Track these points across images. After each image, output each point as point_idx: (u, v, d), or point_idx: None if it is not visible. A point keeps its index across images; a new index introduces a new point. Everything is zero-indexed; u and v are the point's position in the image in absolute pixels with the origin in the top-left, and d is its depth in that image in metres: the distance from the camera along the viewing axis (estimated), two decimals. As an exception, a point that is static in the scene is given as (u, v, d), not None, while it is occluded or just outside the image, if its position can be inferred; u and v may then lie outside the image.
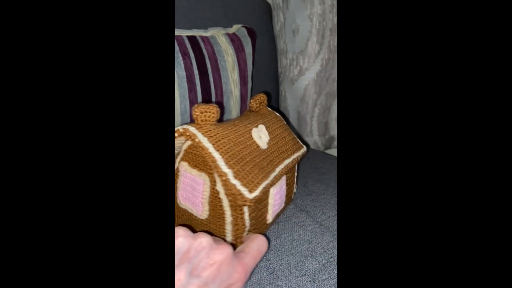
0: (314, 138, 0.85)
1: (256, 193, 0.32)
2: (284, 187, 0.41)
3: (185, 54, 0.59)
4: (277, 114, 0.46)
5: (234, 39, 0.67)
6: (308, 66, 0.78)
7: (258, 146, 0.37)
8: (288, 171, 0.40)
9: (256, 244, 0.30)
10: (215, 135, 0.33)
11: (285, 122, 0.46)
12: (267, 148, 0.38)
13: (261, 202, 0.36)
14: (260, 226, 0.37)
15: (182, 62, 0.58)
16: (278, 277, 0.33)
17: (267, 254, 0.37)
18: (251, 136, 0.37)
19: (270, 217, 0.39)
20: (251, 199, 0.31)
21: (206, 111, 0.33)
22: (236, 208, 0.33)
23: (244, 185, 0.32)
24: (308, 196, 0.52)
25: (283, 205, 0.42)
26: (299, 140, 0.45)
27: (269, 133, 0.40)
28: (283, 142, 0.41)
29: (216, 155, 0.32)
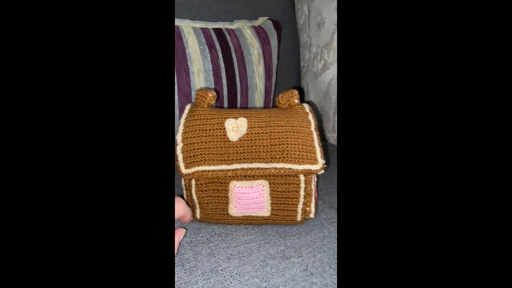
0: (337, 134, 0.84)
1: (189, 170, 0.37)
2: (265, 193, 0.38)
3: (211, 47, 0.58)
4: (310, 118, 0.40)
5: (259, 32, 0.66)
6: (333, 60, 0.76)
7: (225, 136, 0.38)
8: (270, 178, 0.37)
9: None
10: (195, 114, 0.39)
11: (312, 129, 0.40)
12: (237, 142, 0.37)
13: (219, 189, 0.38)
14: (220, 213, 0.40)
15: (208, 55, 0.57)
16: (312, 274, 0.33)
17: (299, 250, 0.36)
18: (223, 125, 0.38)
19: (233, 212, 0.39)
20: (185, 174, 0.37)
21: (200, 95, 0.40)
22: (184, 178, 0.39)
23: (184, 159, 0.37)
24: (336, 193, 0.51)
25: (265, 214, 0.39)
26: (318, 155, 0.38)
27: (258, 131, 0.38)
28: (273, 145, 0.37)
29: (181, 128, 0.39)
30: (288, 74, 0.86)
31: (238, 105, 0.63)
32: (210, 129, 0.38)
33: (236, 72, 0.61)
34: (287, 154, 0.37)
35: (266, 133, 0.38)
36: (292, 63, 0.87)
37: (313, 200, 0.40)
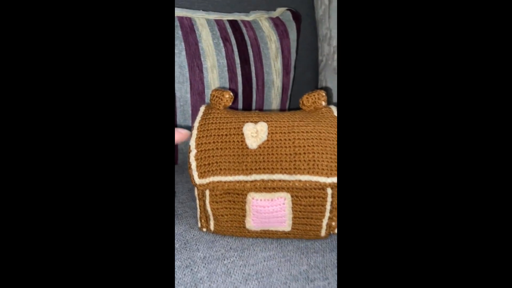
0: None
1: (204, 181, 0.34)
2: (286, 207, 0.34)
3: (226, 40, 0.54)
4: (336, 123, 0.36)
5: (278, 24, 0.61)
6: (354, 54, 0.71)
7: (243, 143, 0.34)
8: (293, 191, 0.33)
9: None
10: (209, 117, 0.36)
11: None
12: (257, 149, 0.34)
13: (236, 201, 0.35)
14: (236, 226, 0.36)
15: (223, 49, 0.53)
16: (340, 301, 0.29)
17: (324, 271, 0.32)
18: (240, 130, 0.35)
19: (251, 225, 0.35)
20: (198, 185, 0.34)
21: (216, 96, 0.37)
22: (198, 188, 0.36)
23: (198, 168, 0.34)
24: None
25: (285, 229, 0.36)
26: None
27: (280, 137, 0.34)
28: (297, 154, 0.33)
29: (194, 132, 0.36)
30: (305, 69, 0.81)
31: (253, 103, 0.59)
32: (226, 135, 0.35)
33: (252, 68, 0.57)
34: (313, 164, 0.33)
35: (289, 140, 0.34)
36: (309, 56, 0.82)
37: None
